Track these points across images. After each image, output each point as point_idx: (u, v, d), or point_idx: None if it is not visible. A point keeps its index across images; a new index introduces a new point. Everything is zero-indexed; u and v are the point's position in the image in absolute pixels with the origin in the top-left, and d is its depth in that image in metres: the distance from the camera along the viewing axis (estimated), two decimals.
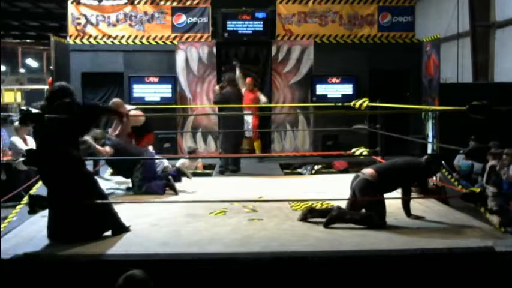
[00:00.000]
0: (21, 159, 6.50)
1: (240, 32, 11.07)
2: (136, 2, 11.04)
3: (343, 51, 11.09)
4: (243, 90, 9.46)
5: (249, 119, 9.67)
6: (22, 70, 35.50)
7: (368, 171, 4.97)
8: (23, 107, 4.17)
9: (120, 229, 4.61)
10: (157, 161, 6.74)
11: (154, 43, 11.08)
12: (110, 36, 11.00)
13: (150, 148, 7.46)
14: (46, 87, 19.78)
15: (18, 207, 5.36)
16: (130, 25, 11.04)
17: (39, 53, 35.75)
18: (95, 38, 10.97)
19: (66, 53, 10.58)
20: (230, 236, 4.56)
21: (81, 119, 4.52)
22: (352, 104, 7.95)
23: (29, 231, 4.71)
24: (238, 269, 3.98)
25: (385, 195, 4.95)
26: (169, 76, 10.98)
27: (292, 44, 11.17)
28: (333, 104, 9.94)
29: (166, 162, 6.93)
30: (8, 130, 10.67)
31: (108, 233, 4.55)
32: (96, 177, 4.95)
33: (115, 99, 7.40)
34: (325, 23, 11.24)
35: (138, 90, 10.89)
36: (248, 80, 9.87)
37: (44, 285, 3.94)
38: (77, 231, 4.38)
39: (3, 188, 6.93)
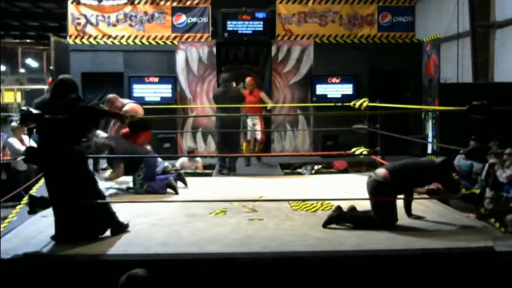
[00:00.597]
0: (20, 158, 6.49)
1: (240, 32, 11.06)
2: (136, 2, 11.04)
3: (343, 51, 11.09)
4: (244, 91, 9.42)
5: (256, 122, 9.52)
6: (22, 70, 35.42)
7: (380, 171, 4.88)
8: (23, 107, 4.16)
9: (119, 228, 4.60)
10: (158, 160, 6.73)
11: (154, 43, 11.08)
12: (110, 36, 11.00)
13: (148, 147, 7.41)
14: (46, 87, 19.75)
15: (18, 207, 5.37)
16: (130, 25, 11.05)
17: (39, 53, 35.66)
18: (95, 38, 10.97)
19: (66, 53, 10.59)
20: (230, 236, 4.55)
21: (85, 117, 4.50)
22: (352, 104, 7.95)
23: (29, 231, 4.70)
24: (238, 269, 3.97)
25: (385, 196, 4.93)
26: (169, 76, 10.97)
27: (292, 44, 11.17)
28: (333, 104, 9.95)
29: (166, 163, 6.92)
30: (4, 131, 10.65)
31: (108, 233, 4.54)
32: (96, 178, 4.94)
33: (110, 95, 7.25)
34: (325, 23, 11.24)
35: (138, 90, 10.88)
36: (248, 79, 9.69)
37: (44, 285, 3.94)
38: (77, 231, 4.38)
39: (3, 188, 6.94)
